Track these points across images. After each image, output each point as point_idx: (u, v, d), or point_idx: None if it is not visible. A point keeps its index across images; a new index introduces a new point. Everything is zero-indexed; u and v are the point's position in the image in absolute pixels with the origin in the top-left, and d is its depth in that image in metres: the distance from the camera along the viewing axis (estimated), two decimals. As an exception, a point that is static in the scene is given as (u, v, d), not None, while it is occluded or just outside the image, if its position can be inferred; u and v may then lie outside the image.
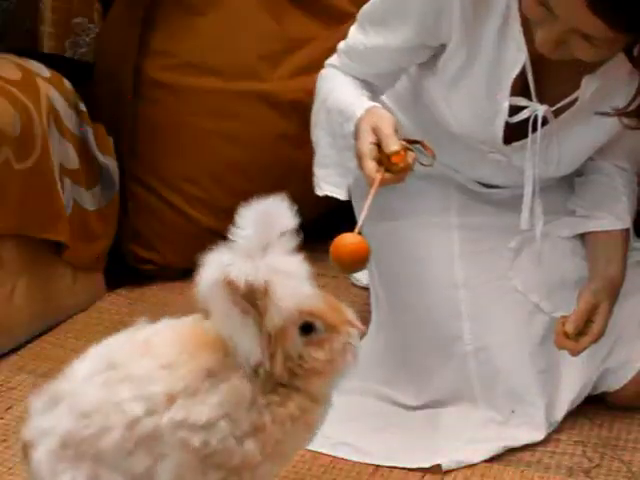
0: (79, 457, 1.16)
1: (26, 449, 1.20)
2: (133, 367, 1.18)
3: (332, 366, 1.22)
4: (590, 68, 1.58)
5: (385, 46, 1.67)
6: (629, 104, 1.53)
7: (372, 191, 1.39)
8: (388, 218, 1.86)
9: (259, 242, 1.15)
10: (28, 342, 2.06)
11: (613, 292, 1.68)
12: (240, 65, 2.31)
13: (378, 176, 1.40)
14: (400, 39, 1.65)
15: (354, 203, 1.96)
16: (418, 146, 1.50)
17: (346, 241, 1.31)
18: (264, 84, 2.32)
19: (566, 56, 1.49)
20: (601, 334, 1.64)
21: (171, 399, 1.16)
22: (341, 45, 1.74)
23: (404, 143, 1.44)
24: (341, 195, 1.65)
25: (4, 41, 2.30)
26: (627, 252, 1.74)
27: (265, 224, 1.16)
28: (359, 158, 1.46)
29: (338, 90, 1.68)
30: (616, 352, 1.75)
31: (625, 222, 1.75)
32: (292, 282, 1.15)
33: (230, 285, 1.11)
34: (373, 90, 1.70)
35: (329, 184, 1.67)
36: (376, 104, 1.58)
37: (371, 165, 1.42)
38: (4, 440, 1.70)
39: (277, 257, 1.15)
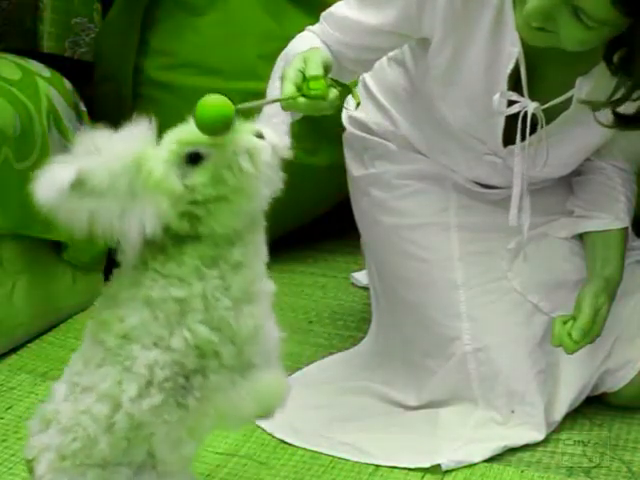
0: (81, 466, 1.18)
1: (30, 466, 1.22)
2: (83, 380, 1.19)
3: (226, 184, 1.13)
4: (584, 69, 1.58)
5: (363, 23, 1.66)
6: (609, 98, 1.50)
7: (271, 100, 1.39)
8: (387, 218, 1.86)
9: (85, 148, 1.17)
10: (28, 342, 2.06)
11: (611, 292, 1.68)
12: (240, 65, 2.31)
13: (289, 94, 1.39)
14: (379, 20, 1.64)
15: (353, 204, 1.97)
16: (349, 99, 1.48)
17: (206, 99, 1.27)
18: (264, 84, 2.31)
19: (548, 42, 1.47)
20: (598, 335, 1.65)
21: (119, 385, 1.16)
22: (324, 13, 1.73)
23: (330, 80, 1.43)
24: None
25: (4, 41, 2.30)
26: (625, 252, 1.74)
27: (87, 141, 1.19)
28: (282, 81, 1.44)
29: (303, 44, 1.66)
30: (616, 352, 1.75)
31: (623, 222, 1.75)
32: (129, 136, 1.17)
33: (78, 182, 1.10)
34: (341, 67, 1.66)
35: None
36: (321, 47, 1.58)
37: (289, 88, 1.40)
38: (4, 440, 1.70)
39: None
